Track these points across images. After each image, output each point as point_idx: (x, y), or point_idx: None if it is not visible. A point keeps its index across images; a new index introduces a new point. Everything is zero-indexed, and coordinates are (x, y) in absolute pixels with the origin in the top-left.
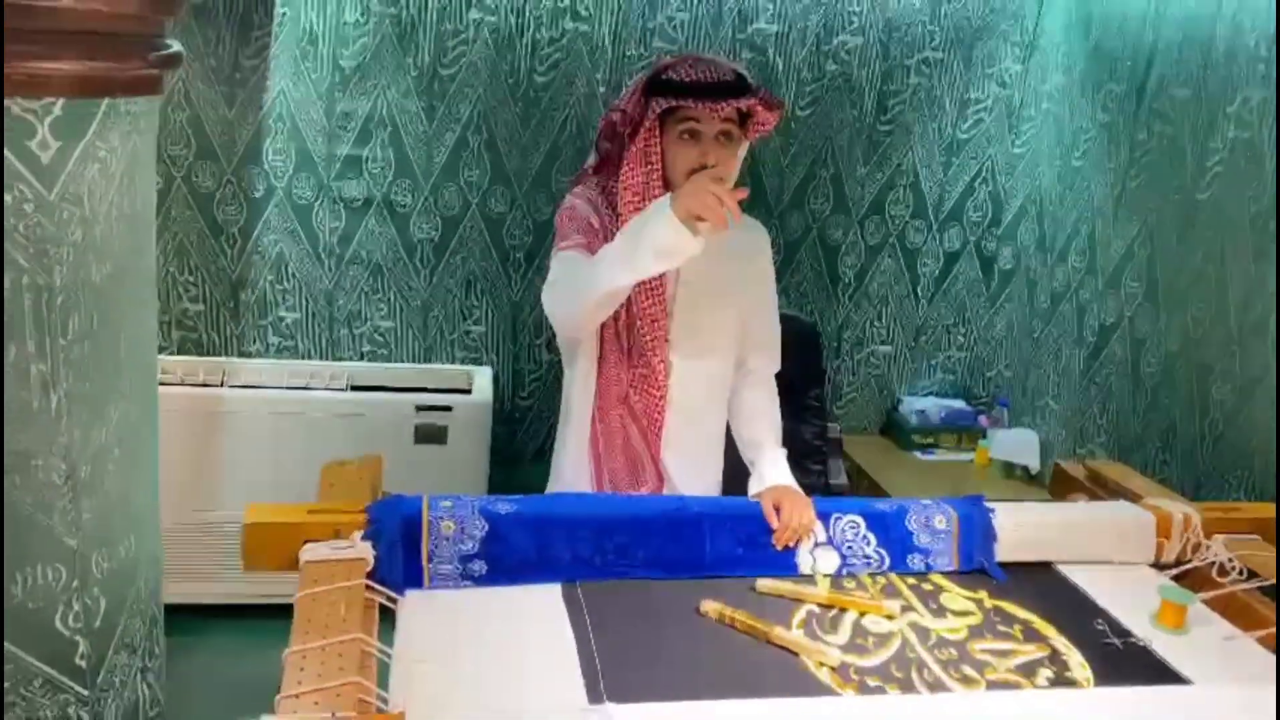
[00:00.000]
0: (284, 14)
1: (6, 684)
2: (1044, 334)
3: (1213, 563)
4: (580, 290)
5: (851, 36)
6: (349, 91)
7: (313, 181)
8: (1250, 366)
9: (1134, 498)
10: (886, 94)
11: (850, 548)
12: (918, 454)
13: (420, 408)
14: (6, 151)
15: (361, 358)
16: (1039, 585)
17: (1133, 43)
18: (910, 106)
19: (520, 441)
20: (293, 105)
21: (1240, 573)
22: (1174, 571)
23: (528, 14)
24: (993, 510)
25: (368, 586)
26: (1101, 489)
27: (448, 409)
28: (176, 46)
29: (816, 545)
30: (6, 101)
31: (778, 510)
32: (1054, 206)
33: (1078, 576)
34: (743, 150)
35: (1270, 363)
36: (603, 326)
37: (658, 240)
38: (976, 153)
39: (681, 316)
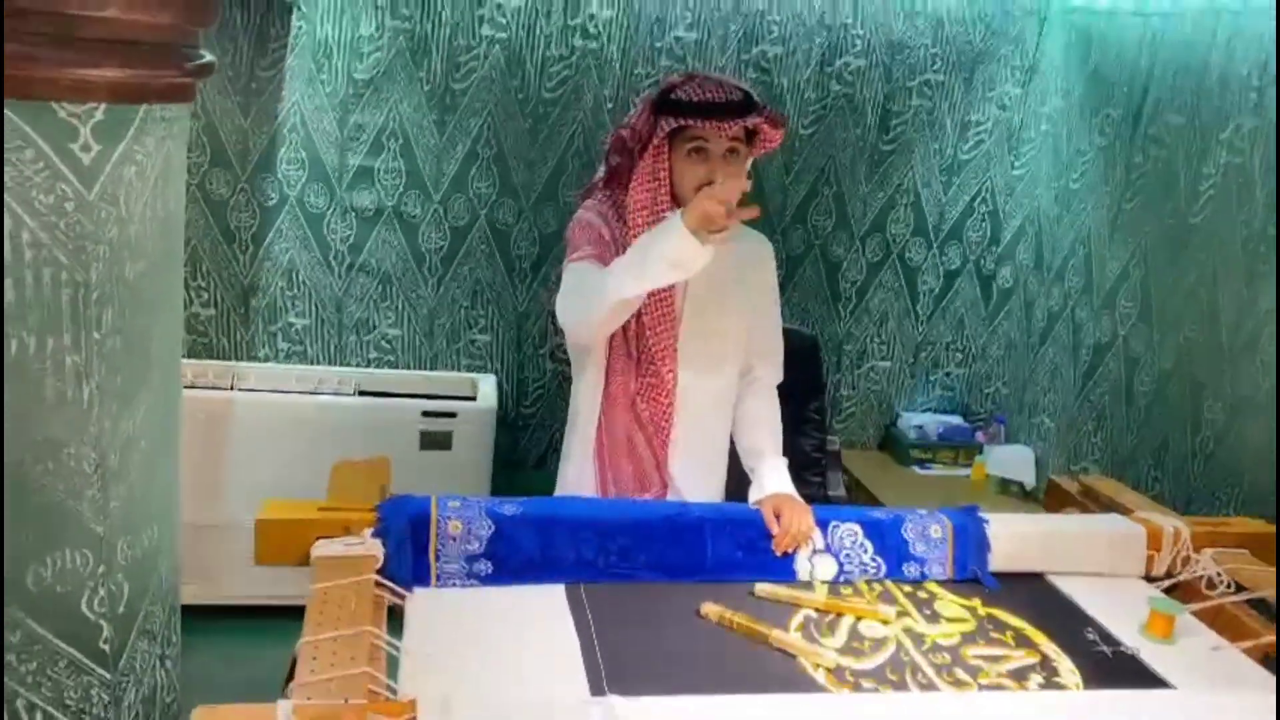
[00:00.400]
0: (300, 27)
1: (34, 664)
2: (1041, 352)
3: (1202, 576)
4: (593, 300)
5: (855, 58)
6: (362, 104)
7: (325, 191)
8: (1241, 385)
9: (1126, 512)
10: (889, 115)
11: (848, 555)
12: (915, 469)
13: (426, 414)
14: (51, 153)
15: (369, 364)
16: (1031, 595)
17: (1130, 69)
18: (912, 127)
19: (523, 449)
20: (307, 116)
21: (1228, 586)
22: (1164, 584)
23: (538, 32)
24: (987, 521)
25: (377, 583)
26: (1094, 504)
27: (453, 415)
28: (209, 56)
29: (815, 552)
30: (53, 105)
31: (778, 517)
32: (1051, 227)
33: (1069, 587)
34: (748, 164)
35: (1260, 382)
36: (612, 336)
37: (669, 251)
38: (976, 173)
39: (689, 326)
